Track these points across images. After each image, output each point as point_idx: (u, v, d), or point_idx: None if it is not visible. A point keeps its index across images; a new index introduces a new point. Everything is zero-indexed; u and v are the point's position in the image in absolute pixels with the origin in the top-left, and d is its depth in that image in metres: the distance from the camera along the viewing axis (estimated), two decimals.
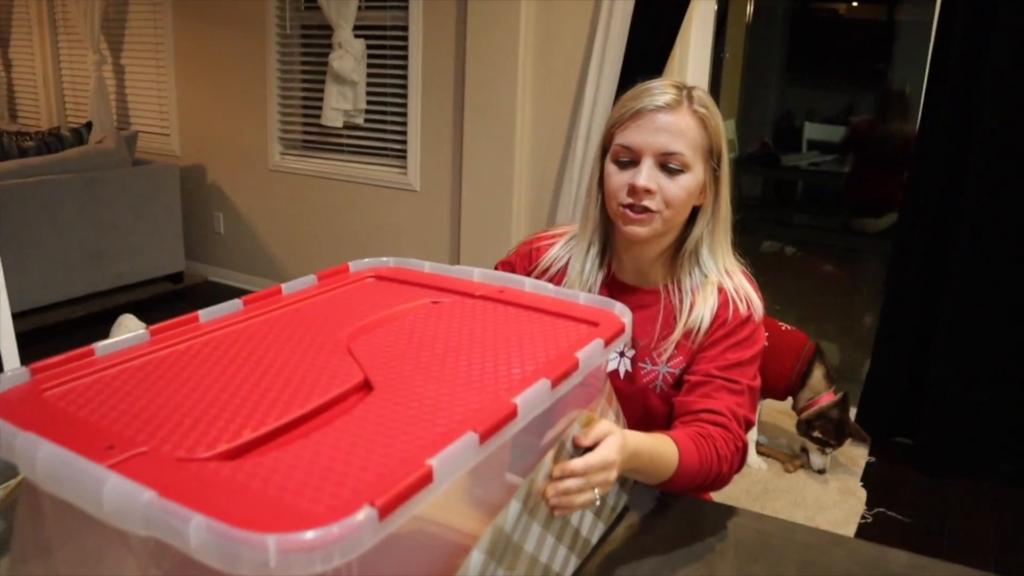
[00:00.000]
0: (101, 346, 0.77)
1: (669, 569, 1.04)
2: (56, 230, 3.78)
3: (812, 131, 6.51)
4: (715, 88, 6.19)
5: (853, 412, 3.12)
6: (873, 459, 3.02)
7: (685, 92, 1.19)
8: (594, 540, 1.04)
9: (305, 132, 4.27)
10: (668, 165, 1.16)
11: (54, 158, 3.87)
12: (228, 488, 0.55)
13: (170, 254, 4.43)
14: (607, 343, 0.85)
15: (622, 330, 0.89)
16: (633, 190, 1.16)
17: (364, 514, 0.51)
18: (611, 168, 1.20)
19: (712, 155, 1.20)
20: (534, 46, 3.38)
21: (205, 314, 0.88)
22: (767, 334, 2.77)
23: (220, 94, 4.44)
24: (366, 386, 0.75)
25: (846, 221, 5.78)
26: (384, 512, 0.52)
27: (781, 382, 2.80)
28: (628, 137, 1.18)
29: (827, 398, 2.77)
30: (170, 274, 4.47)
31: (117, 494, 0.53)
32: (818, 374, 2.78)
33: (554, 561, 0.90)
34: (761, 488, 2.76)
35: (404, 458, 0.60)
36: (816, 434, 2.81)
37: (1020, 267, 2.67)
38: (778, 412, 3.20)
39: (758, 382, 1.22)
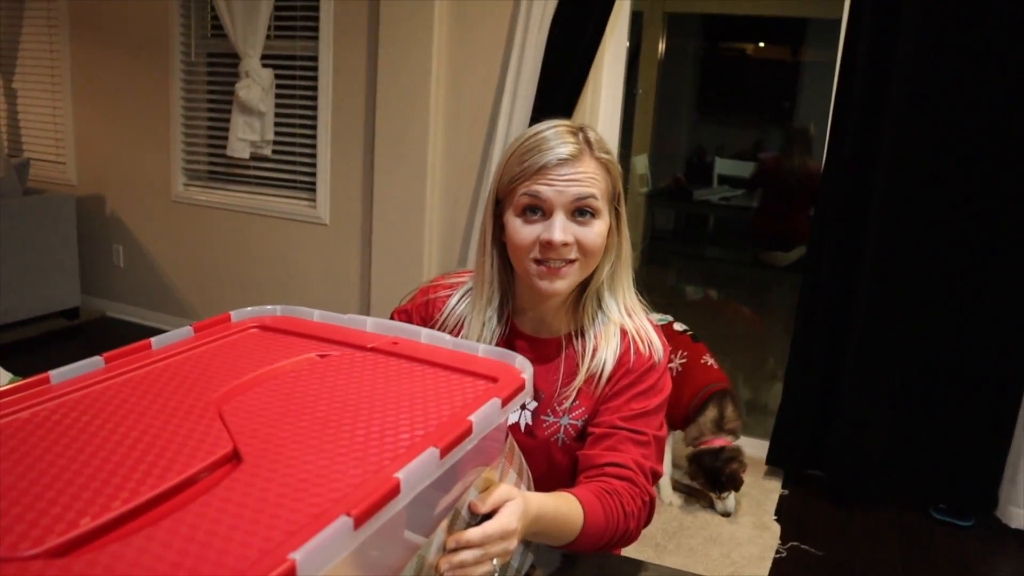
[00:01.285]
0: None
1: None
2: None
3: (722, 166, 6.68)
4: (628, 123, 6.29)
5: (764, 445, 3.16)
6: (786, 492, 3.05)
7: (583, 137, 1.15)
8: None
9: (211, 163, 4.12)
10: (580, 213, 1.12)
11: None
12: None
13: (65, 288, 4.21)
14: (504, 402, 0.79)
15: (522, 387, 0.84)
16: (549, 245, 1.11)
17: None
18: (516, 223, 1.14)
19: (614, 198, 1.17)
20: (446, 78, 3.35)
21: (58, 375, 0.78)
22: (684, 358, 2.79)
23: (121, 121, 4.26)
24: (235, 457, 0.67)
25: (756, 254, 5.92)
26: None
27: (677, 412, 2.80)
28: (535, 188, 1.12)
29: (714, 442, 2.74)
30: (65, 309, 4.24)
31: None
32: (709, 415, 2.76)
33: None
34: (676, 525, 2.75)
35: (266, 549, 0.53)
36: (688, 475, 2.85)
37: (923, 299, 2.75)
38: None
39: (664, 431, 1.18)
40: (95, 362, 0.82)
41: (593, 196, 1.12)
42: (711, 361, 2.85)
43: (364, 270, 3.72)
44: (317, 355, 0.91)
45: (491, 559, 0.82)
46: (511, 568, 1.01)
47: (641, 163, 6.13)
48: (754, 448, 3.22)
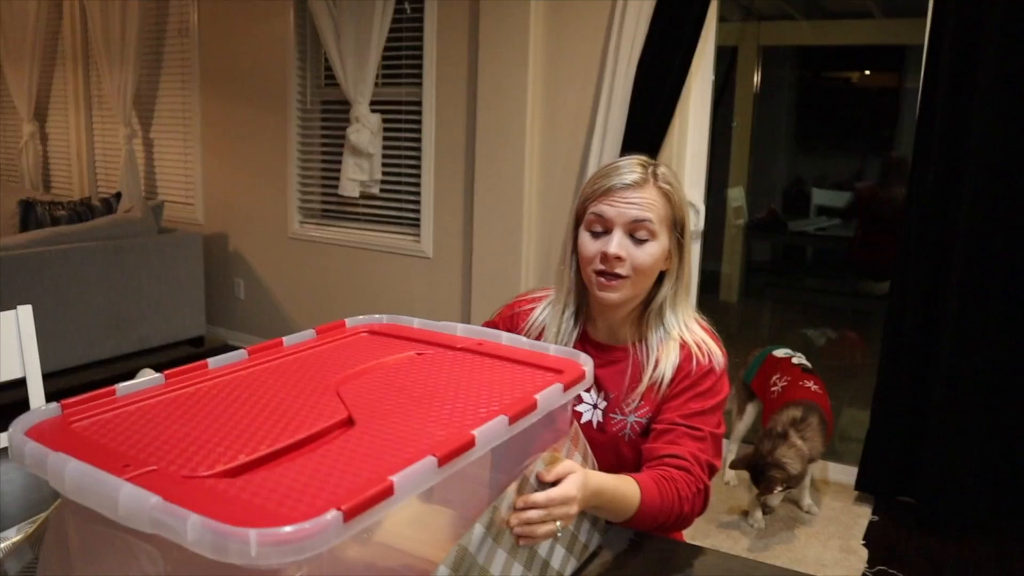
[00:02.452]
0: (122, 387, 0.89)
1: None
2: (84, 295, 3.95)
3: (820, 197, 6.64)
4: (724, 156, 6.37)
5: (853, 471, 3.17)
6: (876, 518, 3.05)
7: (651, 170, 1.32)
8: (566, 574, 1.12)
9: (323, 201, 4.46)
10: (636, 235, 1.28)
11: (84, 227, 4.07)
12: (222, 498, 0.66)
13: (192, 318, 4.59)
14: (567, 387, 0.96)
15: (582, 376, 1.00)
16: (605, 257, 1.28)
17: (331, 516, 0.62)
18: (585, 237, 1.33)
19: (676, 225, 1.32)
20: (541, 119, 3.56)
21: (214, 361, 1.00)
22: (786, 381, 2.88)
23: (243, 166, 4.66)
24: (349, 422, 0.86)
25: (854, 284, 5.86)
26: (349, 515, 0.63)
27: (765, 421, 2.93)
28: (600, 208, 1.30)
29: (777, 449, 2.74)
30: (191, 338, 4.61)
31: (129, 500, 0.64)
32: (789, 414, 2.81)
33: None
34: (762, 545, 2.81)
35: (371, 477, 0.71)
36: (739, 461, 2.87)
37: (1010, 324, 2.75)
38: None
39: (722, 429, 1.31)
40: (240, 354, 1.03)
41: (649, 220, 1.28)
42: (813, 386, 2.93)
43: (464, 300, 3.94)
44: (415, 353, 1.10)
45: (554, 520, 0.97)
46: (578, 543, 1.16)
47: (736, 195, 6.18)
48: (841, 473, 3.24)
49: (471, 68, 3.71)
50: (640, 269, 1.29)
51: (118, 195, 4.64)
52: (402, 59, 3.99)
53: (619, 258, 1.27)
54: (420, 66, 3.89)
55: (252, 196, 4.65)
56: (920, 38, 2.94)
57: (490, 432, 0.81)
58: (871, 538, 2.89)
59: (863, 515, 3.06)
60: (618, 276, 1.28)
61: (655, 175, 1.32)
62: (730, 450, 3.28)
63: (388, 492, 0.68)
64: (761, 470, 2.71)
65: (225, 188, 4.78)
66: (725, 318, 6.02)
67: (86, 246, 3.96)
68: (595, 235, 1.31)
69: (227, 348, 4.82)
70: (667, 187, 1.31)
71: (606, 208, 1.29)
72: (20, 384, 1.66)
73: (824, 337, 5.42)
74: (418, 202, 4.05)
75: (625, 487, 1.14)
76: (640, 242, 1.29)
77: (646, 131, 3.22)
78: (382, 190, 4.16)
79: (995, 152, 2.68)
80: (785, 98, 7.03)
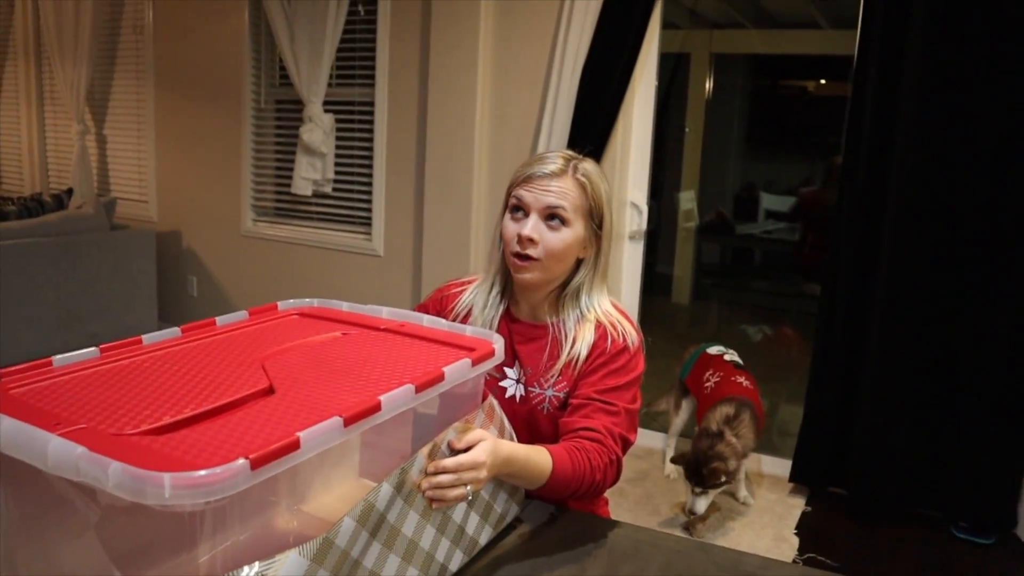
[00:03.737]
0: (58, 358, 0.96)
1: (546, 569, 1.21)
2: (33, 290, 3.94)
3: (768, 201, 6.81)
4: (677, 160, 6.51)
5: (787, 464, 3.30)
6: (809, 508, 3.17)
7: (572, 163, 1.42)
8: (482, 541, 1.20)
9: (277, 200, 4.49)
10: (550, 220, 1.37)
11: (34, 222, 4.06)
12: (144, 451, 0.73)
13: (144, 315, 4.59)
14: (475, 362, 1.04)
15: (491, 354, 1.08)
16: (520, 239, 1.37)
17: (240, 463, 0.70)
18: (505, 219, 1.42)
19: (592, 216, 1.41)
20: (490, 120, 3.65)
21: (148, 338, 1.06)
22: (718, 377, 2.99)
23: (197, 163, 4.68)
24: (269, 391, 0.93)
25: (799, 286, 6.03)
26: (256, 464, 0.71)
27: (699, 420, 3.03)
28: (518, 192, 1.40)
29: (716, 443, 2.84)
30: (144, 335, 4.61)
31: (57, 451, 0.71)
32: (722, 411, 2.90)
33: (437, 551, 1.07)
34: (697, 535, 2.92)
35: (284, 435, 0.78)
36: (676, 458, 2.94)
37: (937, 320, 2.87)
38: None
39: (636, 404, 1.40)
40: (174, 331, 1.10)
41: (563, 207, 1.37)
42: (744, 381, 3.03)
43: (415, 298, 4.00)
44: (341, 333, 1.17)
45: (464, 485, 1.05)
46: (494, 512, 1.25)
47: (686, 199, 6.32)
48: (777, 467, 3.37)
49: (422, 70, 3.78)
50: (552, 252, 1.37)
51: (70, 191, 4.63)
52: (355, 60, 4.06)
53: (532, 240, 1.36)
54: (373, 67, 3.96)
55: (206, 194, 4.68)
56: None
57: (396, 398, 0.89)
58: (803, 527, 3.01)
59: (796, 506, 3.18)
60: (530, 258, 1.37)
61: (575, 167, 1.41)
62: (668, 444, 3.40)
63: (294, 446, 0.75)
64: (698, 468, 2.79)
65: (179, 185, 4.80)
66: (676, 319, 6.16)
67: (36, 241, 3.96)
68: (515, 219, 1.41)
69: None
70: (584, 180, 1.40)
71: (525, 194, 1.39)
72: None
73: (760, 333, 5.58)
74: (370, 201, 4.11)
75: (536, 456, 1.23)
76: (554, 227, 1.37)
77: (591, 133, 3.32)
78: (335, 189, 4.22)
79: (918, 155, 2.81)
80: (736, 105, 7.20)
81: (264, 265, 4.52)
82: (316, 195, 4.24)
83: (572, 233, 1.38)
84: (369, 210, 4.13)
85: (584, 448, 1.29)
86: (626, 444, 1.36)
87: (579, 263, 1.44)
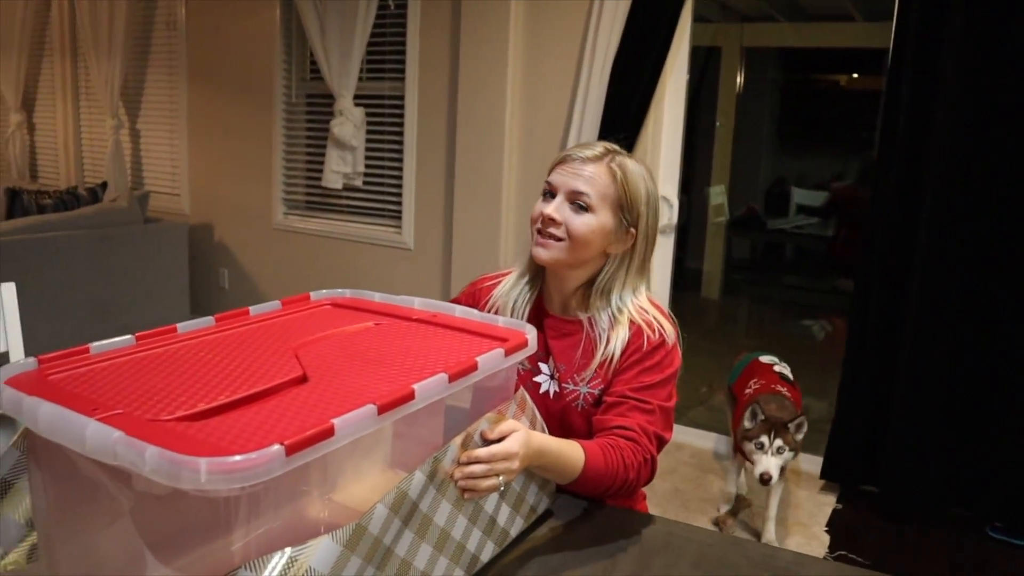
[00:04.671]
0: (95, 345, 0.97)
1: (577, 563, 1.20)
2: (69, 282, 4.00)
3: (800, 196, 6.74)
4: (707, 155, 6.46)
5: (818, 461, 3.26)
6: (840, 506, 3.14)
7: (611, 154, 1.40)
8: (513, 532, 1.20)
9: (307, 193, 4.52)
10: (576, 203, 1.36)
11: (70, 215, 4.12)
12: (179, 436, 0.74)
13: (176, 308, 4.64)
14: (508, 352, 1.04)
15: (524, 344, 1.08)
16: (543, 218, 1.37)
17: (275, 449, 0.70)
18: (538, 202, 1.42)
19: (623, 209, 1.38)
20: (520, 115, 3.64)
21: (183, 326, 1.07)
22: (759, 384, 2.84)
23: (228, 157, 4.72)
24: (303, 379, 0.93)
25: (833, 282, 5.96)
26: (291, 450, 0.71)
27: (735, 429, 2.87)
28: (552, 176, 1.40)
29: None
30: None
31: (95, 435, 0.72)
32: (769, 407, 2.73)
33: (469, 541, 1.07)
34: (729, 531, 2.89)
35: (318, 422, 0.78)
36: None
37: (971, 318, 2.84)
38: None
39: (672, 402, 1.38)
40: (208, 320, 1.11)
41: (587, 194, 1.36)
42: (786, 392, 2.83)
43: (444, 291, 4.01)
44: (373, 323, 1.17)
45: (496, 475, 1.05)
46: (526, 504, 1.24)
47: (716, 193, 6.27)
48: (809, 463, 3.33)
49: (452, 64, 3.78)
50: (574, 235, 1.36)
51: (104, 185, 4.70)
52: (385, 55, 4.07)
53: (553, 220, 1.36)
54: (403, 62, 3.97)
55: (237, 187, 4.72)
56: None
57: (429, 387, 0.89)
58: (834, 525, 2.98)
59: (827, 503, 3.15)
60: (551, 237, 1.36)
61: (612, 157, 1.39)
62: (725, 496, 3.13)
63: (328, 433, 0.75)
64: (782, 422, 2.60)
65: (211, 179, 4.84)
66: (706, 314, 6.11)
67: (71, 234, 4.02)
68: (544, 199, 1.41)
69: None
70: (617, 170, 1.38)
71: (555, 176, 1.39)
72: (2, 358, 1.73)
73: (823, 331, 5.51)
74: (400, 194, 4.12)
75: (569, 449, 1.22)
76: (579, 210, 1.36)
77: (621, 127, 3.30)
78: (365, 182, 4.24)
79: (955, 151, 2.77)
80: (767, 99, 7.13)
81: (295, 258, 4.55)
82: (346, 188, 4.26)
83: (596, 220, 1.36)
84: (399, 204, 4.14)
85: (618, 446, 1.28)
86: (661, 442, 1.34)
87: (609, 258, 1.42)
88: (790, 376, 3.02)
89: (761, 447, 2.60)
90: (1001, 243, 2.77)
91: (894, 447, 3.01)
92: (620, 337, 1.38)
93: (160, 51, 4.96)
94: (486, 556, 1.13)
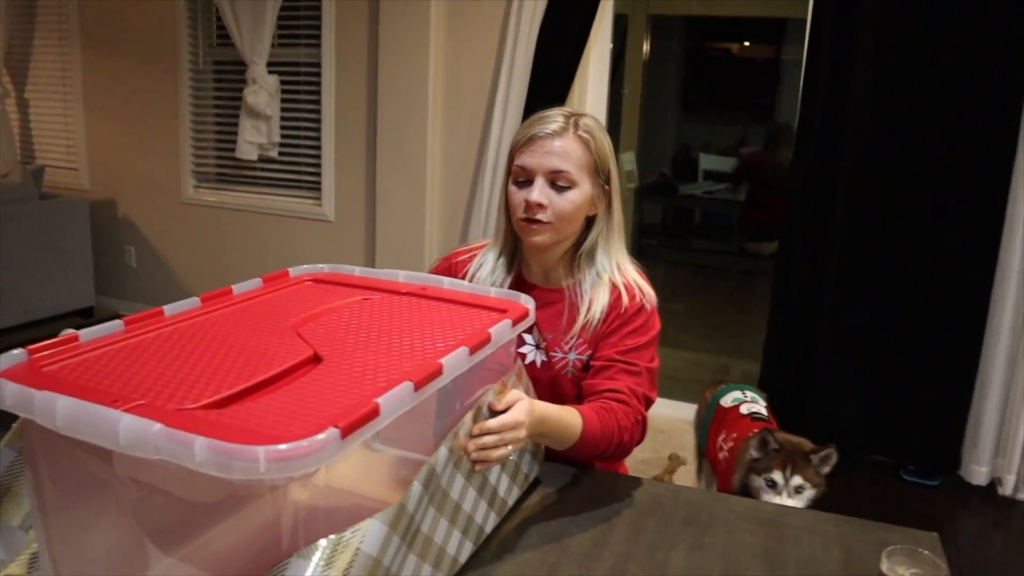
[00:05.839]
0: (84, 332, 0.91)
1: (575, 526, 1.21)
2: None
3: (707, 162, 6.90)
4: (615, 122, 6.52)
5: None
6: None
7: (572, 120, 1.39)
8: (510, 502, 1.20)
9: (219, 165, 4.34)
10: (557, 183, 1.35)
11: None
12: (218, 424, 0.70)
13: (80, 289, 4.41)
14: (514, 323, 1.03)
15: (526, 314, 1.07)
16: (528, 205, 1.35)
17: (330, 433, 0.67)
18: (512, 188, 1.39)
19: (599, 172, 1.39)
20: (443, 82, 3.58)
21: (169, 308, 1.01)
22: (732, 441, 2.14)
23: (131, 128, 4.47)
24: (316, 359, 0.90)
25: (742, 245, 6.15)
26: (345, 432, 0.68)
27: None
28: (523, 160, 1.37)
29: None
30: (80, 308, 4.44)
31: (131, 429, 0.67)
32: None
33: (476, 513, 1.06)
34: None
35: (356, 402, 0.75)
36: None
37: (887, 277, 2.98)
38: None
39: (655, 363, 1.41)
40: (193, 301, 1.05)
41: (567, 170, 1.35)
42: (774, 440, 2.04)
43: (368, 263, 3.94)
44: (362, 298, 1.14)
45: (506, 444, 1.05)
46: (520, 473, 1.24)
47: (628, 160, 6.35)
48: None
49: (371, 29, 3.68)
50: (561, 215, 1.36)
51: None
52: (300, 19, 3.92)
53: (540, 205, 1.34)
54: (319, 26, 3.83)
55: (142, 160, 4.48)
56: (800, 11, 3.12)
57: (455, 361, 0.87)
58: None
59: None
60: (540, 221, 1.35)
61: (576, 124, 1.38)
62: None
63: (375, 413, 0.73)
64: (804, 454, 2.01)
65: (112, 152, 4.58)
66: None
67: None
68: (520, 185, 1.38)
69: (117, 319, 4.66)
70: (586, 136, 1.37)
71: (527, 159, 1.36)
72: None
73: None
74: (319, 165, 4.01)
75: (568, 416, 1.22)
76: (561, 189, 1.35)
77: (548, 96, 3.29)
78: (281, 153, 4.10)
79: (871, 117, 2.89)
80: (673, 67, 7.24)
81: (208, 233, 4.38)
82: (262, 159, 4.12)
83: (580, 193, 1.36)
84: (318, 174, 4.02)
85: (611, 408, 1.30)
86: (649, 403, 1.37)
87: (590, 221, 1.42)
88: (764, 413, 2.37)
89: (773, 485, 1.94)
90: (916, 204, 2.91)
91: (818, 400, 3.16)
92: (601, 299, 1.39)
93: (48, 13, 4.63)
94: (489, 527, 1.12)
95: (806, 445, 2.04)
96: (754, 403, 2.39)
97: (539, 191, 1.34)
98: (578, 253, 1.43)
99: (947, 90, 2.80)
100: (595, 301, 1.39)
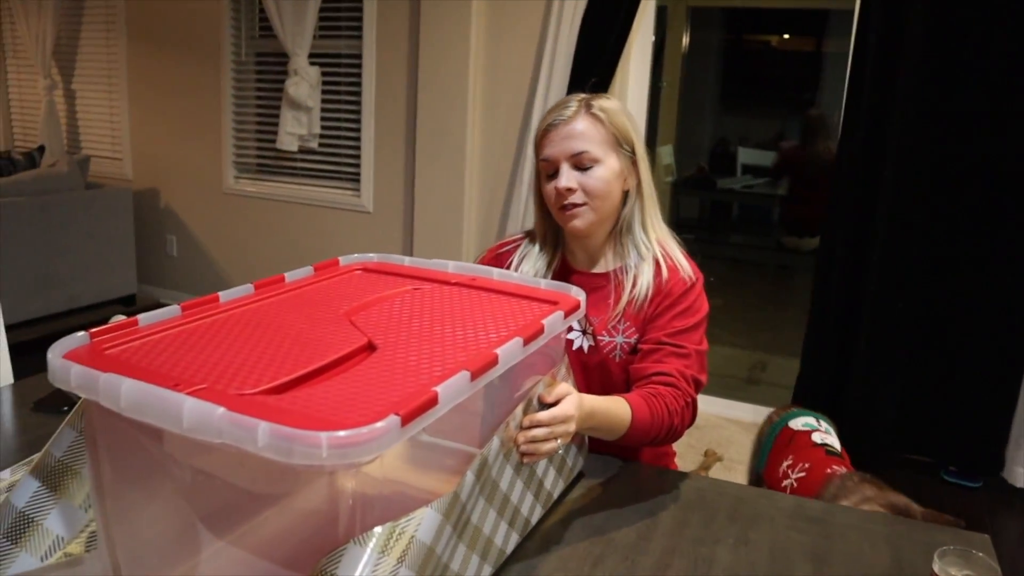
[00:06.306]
0: (143, 317, 0.92)
1: (620, 519, 1.21)
2: (9, 253, 3.81)
3: (746, 156, 6.83)
4: (653, 115, 6.48)
5: None
6: None
7: (584, 102, 1.40)
8: (555, 494, 1.20)
9: (259, 156, 4.38)
10: (581, 165, 1.37)
11: (7, 181, 3.91)
12: (279, 409, 0.70)
13: (122, 277, 4.48)
14: (566, 315, 1.02)
15: (578, 306, 1.06)
16: (559, 193, 1.36)
17: (391, 420, 0.67)
18: (544, 184, 1.41)
19: (621, 145, 1.39)
20: (483, 74, 3.58)
21: (224, 295, 1.02)
22: (804, 471, 1.94)
23: (174, 119, 4.54)
24: (370, 347, 0.90)
25: (780, 240, 6.09)
26: (406, 420, 0.68)
27: None
28: (545, 152, 1.39)
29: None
30: (122, 296, 4.51)
31: (195, 412, 0.68)
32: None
33: (523, 505, 1.06)
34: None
35: (414, 390, 0.76)
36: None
37: (931, 274, 2.93)
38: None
39: (704, 346, 1.40)
40: (247, 288, 1.06)
41: (586, 150, 1.36)
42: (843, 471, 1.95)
43: (407, 254, 3.94)
44: (412, 288, 1.14)
45: (556, 438, 1.04)
46: (566, 466, 1.24)
47: (666, 153, 6.31)
48: None
49: (412, 20, 3.69)
50: (594, 193, 1.36)
51: (41, 148, 4.47)
52: (341, 11, 3.94)
53: (570, 189, 1.36)
54: (360, 18, 3.85)
55: (184, 151, 4.54)
56: (844, 3, 3.06)
57: (509, 351, 0.87)
58: None
59: None
60: (576, 204, 1.36)
61: (588, 105, 1.39)
62: None
63: (434, 401, 0.73)
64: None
65: (155, 143, 4.65)
66: None
67: (11, 201, 3.82)
68: (549, 178, 1.40)
69: (160, 307, 4.73)
70: (600, 112, 1.38)
71: (549, 150, 1.38)
72: None
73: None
74: (358, 156, 4.03)
75: (617, 407, 1.22)
76: (586, 169, 1.37)
77: (589, 87, 3.27)
78: (321, 144, 4.13)
79: (918, 112, 2.83)
80: (712, 59, 7.17)
81: (247, 223, 4.43)
82: (302, 151, 4.15)
83: (607, 169, 1.37)
84: (358, 166, 4.05)
85: (660, 394, 1.29)
86: (698, 385, 1.36)
87: (626, 196, 1.43)
88: (838, 447, 2.16)
89: None
90: (962, 202, 2.85)
91: (856, 398, 3.11)
92: (645, 276, 1.40)
93: (96, 6, 4.71)
94: (535, 519, 1.12)
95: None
96: (828, 434, 2.21)
97: (566, 177, 1.36)
98: (618, 230, 1.44)
99: (996, 85, 2.74)
100: (640, 278, 1.40)
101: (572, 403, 1.07)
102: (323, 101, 4.05)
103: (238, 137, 4.40)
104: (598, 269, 1.47)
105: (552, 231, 1.48)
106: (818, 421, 2.22)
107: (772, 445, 2.20)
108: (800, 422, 2.21)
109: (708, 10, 6.89)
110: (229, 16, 4.21)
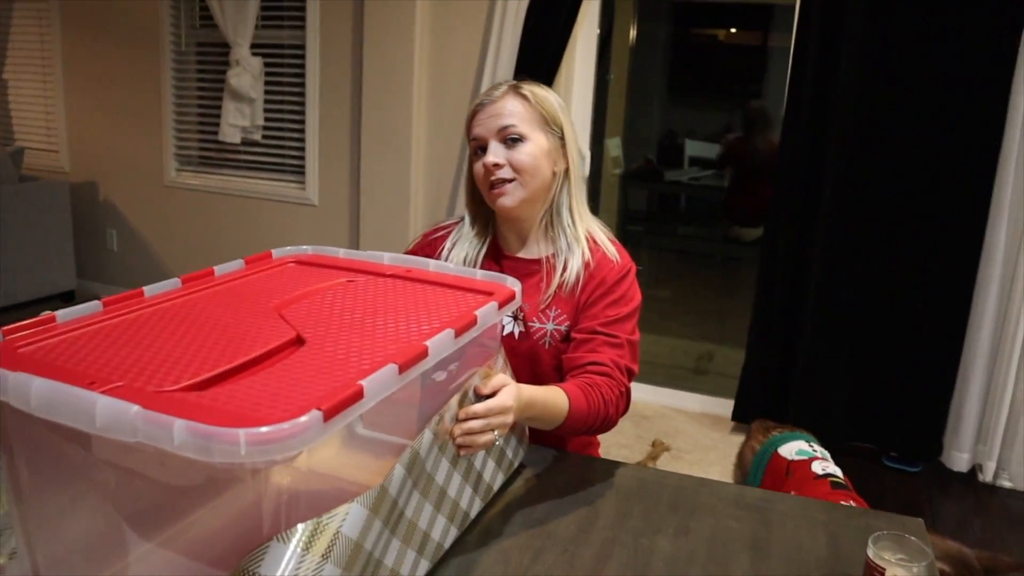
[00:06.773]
0: (61, 313, 0.89)
1: (560, 511, 1.21)
2: None
3: (693, 148, 6.89)
4: (600, 108, 6.50)
5: (729, 404, 3.39)
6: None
7: (512, 85, 1.42)
8: (495, 487, 1.19)
9: (202, 148, 4.29)
10: (507, 139, 1.37)
11: None
12: (198, 407, 0.68)
13: (61, 272, 4.36)
14: (500, 306, 1.02)
15: (512, 296, 1.06)
16: (486, 169, 1.37)
17: (313, 415, 0.66)
18: (473, 161, 1.42)
19: (550, 125, 1.40)
20: (429, 64, 3.55)
21: (149, 290, 0.99)
22: None
23: (112, 110, 4.42)
24: (299, 341, 0.88)
25: (725, 231, 6.16)
26: (329, 415, 0.67)
27: None
28: (474, 131, 1.40)
29: None
30: (61, 292, 4.39)
31: (108, 411, 0.65)
32: None
33: (461, 498, 1.05)
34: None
35: (340, 384, 0.74)
36: None
37: (872, 265, 2.99)
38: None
39: (636, 336, 1.40)
40: (174, 282, 1.03)
41: (513, 125, 1.37)
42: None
43: (353, 246, 3.90)
44: (346, 280, 1.12)
45: (493, 430, 1.04)
46: (506, 458, 1.23)
47: (614, 146, 6.34)
48: (720, 407, 3.46)
49: (356, 11, 3.64)
50: (521, 168, 1.37)
51: None
52: (283, 1, 3.87)
53: (497, 165, 1.36)
54: (303, 8, 3.79)
55: (124, 143, 4.43)
56: None
57: (440, 343, 0.86)
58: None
59: (739, 443, 3.28)
60: (503, 180, 1.37)
61: (516, 87, 1.41)
62: None
63: (359, 395, 0.72)
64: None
65: (93, 134, 4.52)
66: None
67: None
68: (477, 156, 1.41)
69: None
70: (527, 93, 1.40)
71: (478, 128, 1.40)
72: None
73: None
74: (303, 148, 3.97)
75: (554, 397, 1.22)
76: (513, 143, 1.37)
77: (535, 78, 3.26)
78: (264, 136, 4.05)
79: (859, 104, 2.89)
80: (660, 52, 7.22)
81: (190, 217, 4.33)
82: (245, 143, 4.07)
83: (534, 145, 1.38)
84: (302, 158, 3.99)
85: (595, 384, 1.29)
86: (631, 375, 1.37)
87: (555, 180, 1.43)
88: (841, 477, 2.01)
89: None
90: (902, 193, 2.91)
91: (801, 387, 3.17)
92: (576, 261, 1.40)
93: None
94: (474, 512, 1.12)
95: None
96: (825, 459, 2.07)
97: (493, 152, 1.37)
98: (549, 214, 1.44)
99: (935, 78, 2.80)
100: (570, 262, 1.40)
101: (510, 394, 1.06)
102: (266, 92, 3.97)
103: (179, 129, 4.30)
104: (530, 255, 1.47)
105: (483, 215, 1.48)
106: (810, 445, 2.10)
107: (763, 474, 2.10)
108: (792, 449, 2.09)
109: (656, 3, 6.93)
110: (168, 4, 4.11)
